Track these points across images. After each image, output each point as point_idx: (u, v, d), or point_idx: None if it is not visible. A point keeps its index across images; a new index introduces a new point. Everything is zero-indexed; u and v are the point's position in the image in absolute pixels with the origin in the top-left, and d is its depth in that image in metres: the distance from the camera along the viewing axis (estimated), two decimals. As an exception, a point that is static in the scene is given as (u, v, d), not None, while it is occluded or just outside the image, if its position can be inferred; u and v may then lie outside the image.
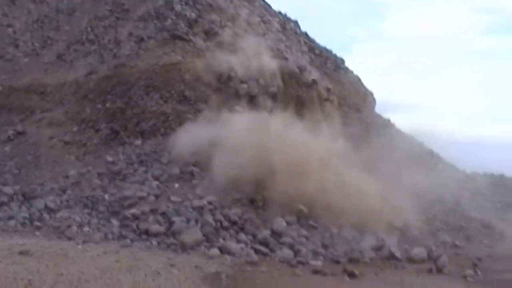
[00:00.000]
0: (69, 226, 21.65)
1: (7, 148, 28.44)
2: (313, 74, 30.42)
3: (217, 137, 24.03)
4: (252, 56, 28.94)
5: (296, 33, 36.45)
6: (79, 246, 19.06)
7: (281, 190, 22.24)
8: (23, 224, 22.35)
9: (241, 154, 22.69)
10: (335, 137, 25.15)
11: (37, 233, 21.28)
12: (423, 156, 33.81)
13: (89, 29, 33.47)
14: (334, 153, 23.83)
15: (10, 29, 35.68)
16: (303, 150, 23.14)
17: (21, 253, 16.88)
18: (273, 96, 28.28)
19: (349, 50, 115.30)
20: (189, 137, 24.75)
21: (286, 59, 30.05)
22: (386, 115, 39.14)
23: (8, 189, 24.97)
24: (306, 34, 37.91)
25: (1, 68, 32.97)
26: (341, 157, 23.73)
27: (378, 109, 38.19)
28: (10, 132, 29.28)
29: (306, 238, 21.80)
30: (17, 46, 34.28)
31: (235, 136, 23.54)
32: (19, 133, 29.20)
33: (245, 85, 28.35)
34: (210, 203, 22.48)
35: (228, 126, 24.37)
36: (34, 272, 14.49)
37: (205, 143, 24.25)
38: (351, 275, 18.10)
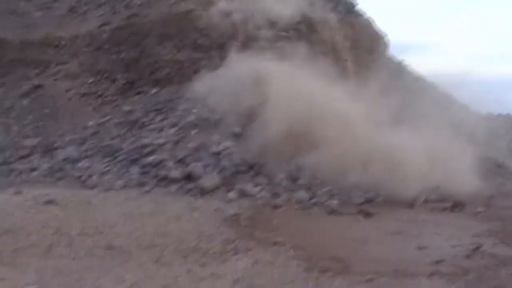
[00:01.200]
0: (90, 176, 22.16)
1: (25, 102, 28.69)
2: (326, 18, 30.32)
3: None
4: (264, 2, 28.93)
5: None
6: (101, 194, 19.61)
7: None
8: (45, 175, 22.90)
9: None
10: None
11: (60, 183, 21.84)
12: (437, 99, 33.80)
13: (100, -20, 33.48)
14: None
15: (21, -16, 35.68)
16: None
17: (46, 202, 17.45)
18: (289, 41, 28.18)
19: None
20: (206, 85, 25.00)
21: (297, 5, 29.94)
22: (399, 57, 39.17)
23: (28, 142, 25.50)
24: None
25: (14, 22, 32.93)
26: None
27: (391, 51, 38.10)
28: (27, 86, 29.46)
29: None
30: (29, 0, 34.28)
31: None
32: (36, 87, 29.41)
33: (258, 31, 28.31)
34: (227, 148, 22.82)
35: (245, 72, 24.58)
36: (61, 220, 14.96)
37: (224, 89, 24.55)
38: (367, 214, 18.47)
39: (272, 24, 28.26)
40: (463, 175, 20.99)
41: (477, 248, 13.92)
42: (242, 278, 10.61)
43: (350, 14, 33.82)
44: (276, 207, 19.03)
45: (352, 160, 20.68)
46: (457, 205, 19.55)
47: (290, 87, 23.10)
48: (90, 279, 9.96)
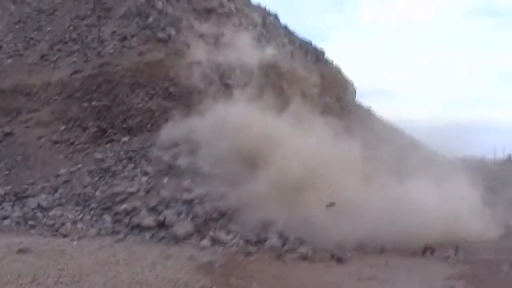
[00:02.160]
0: (63, 224, 22.33)
1: (-4, 150, 28.79)
2: (295, 67, 30.88)
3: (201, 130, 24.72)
4: (235, 50, 29.43)
5: (276, 26, 36.85)
6: (75, 242, 19.79)
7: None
8: (17, 223, 22.95)
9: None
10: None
11: (32, 231, 22.02)
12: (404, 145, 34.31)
13: (71, 28, 33.79)
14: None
15: (-8, 31, 35.88)
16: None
17: (20, 251, 17.60)
18: (258, 90, 28.61)
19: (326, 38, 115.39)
20: (175, 132, 25.42)
21: (268, 52, 30.48)
22: (366, 102, 39.86)
23: (-1, 190, 25.51)
24: (285, 27, 38.33)
25: (-15, 70, 33.16)
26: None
27: (358, 96, 38.80)
28: (-2, 133, 29.62)
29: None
30: (0, 47, 34.44)
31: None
32: (7, 134, 29.59)
33: (229, 79, 28.75)
34: (199, 196, 23.04)
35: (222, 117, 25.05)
36: (36, 268, 15.06)
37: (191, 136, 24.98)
38: (339, 260, 18.73)
39: (242, 71, 28.70)
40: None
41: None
42: (221, 326, 10.81)
43: (319, 62, 34.43)
44: (249, 254, 19.20)
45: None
46: (427, 249, 19.81)
47: (268, 134, 23.58)
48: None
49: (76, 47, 32.33)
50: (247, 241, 20.79)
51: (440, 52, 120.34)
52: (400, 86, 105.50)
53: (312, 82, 31.33)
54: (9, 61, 33.57)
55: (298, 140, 23.51)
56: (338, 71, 36.51)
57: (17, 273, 14.43)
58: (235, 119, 24.90)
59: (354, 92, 37.87)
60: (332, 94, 33.33)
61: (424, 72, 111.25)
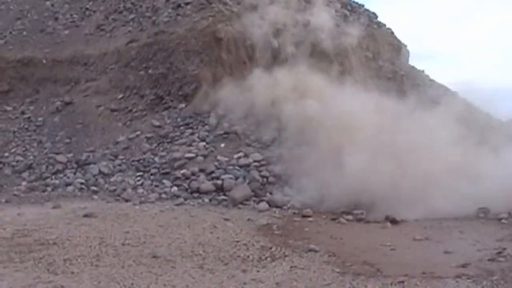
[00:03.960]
0: (124, 189, 22.99)
1: (56, 119, 29.52)
2: (348, 30, 30.84)
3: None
4: (286, 16, 29.55)
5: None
6: (137, 207, 20.42)
7: None
8: (80, 189, 23.73)
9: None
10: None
11: (95, 197, 22.73)
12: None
13: (125, -2, 34.23)
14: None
15: (48, 3, 36.36)
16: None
17: (86, 215, 18.24)
18: (311, 56, 28.75)
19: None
20: (230, 98, 25.85)
21: (319, 18, 30.43)
22: (419, 66, 39.69)
23: (61, 158, 26.34)
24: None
25: (43, 41, 33.76)
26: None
27: (411, 60, 38.61)
28: (58, 103, 30.31)
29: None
30: (56, 19, 35.02)
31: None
32: (67, 104, 30.25)
33: (281, 46, 28.87)
34: (256, 161, 23.54)
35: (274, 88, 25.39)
36: (103, 231, 15.68)
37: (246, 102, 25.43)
38: (393, 221, 19.02)
39: (297, 38, 28.83)
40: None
41: (501, 252, 14.47)
42: (283, 282, 11.25)
43: (372, 25, 34.32)
44: (305, 216, 19.61)
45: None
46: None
47: (326, 102, 23.86)
48: (142, 285, 10.63)
49: (131, 16, 32.67)
50: (303, 204, 21.18)
51: (496, 14, 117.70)
52: (454, 49, 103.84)
53: (366, 45, 31.28)
54: (66, 32, 34.03)
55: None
56: (390, 34, 36.37)
57: (85, 236, 15.04)
58: (292, 86, 25.29)
59: (407, 55, 37.71)
60: (385, 57, 33.28)
61: (480, 34, 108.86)
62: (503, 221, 18.95)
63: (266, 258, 13.28)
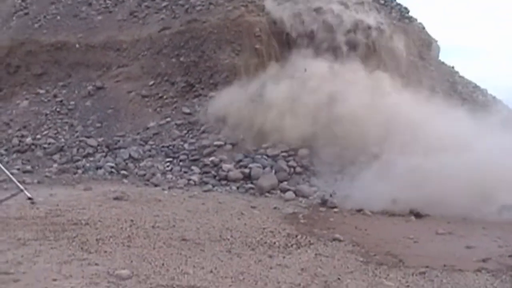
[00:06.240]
0: (153, 174, 23.44)
1: (88, 103, 30.04)
2: (381, 24, 30.89)
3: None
4: (320, 9, 29.68)
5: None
6: (166, 192, 20.85)
7: None
8: (110, 173, 24.22)
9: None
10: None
11: (125, 180, 23.16)
12: (486, 104, 34.16)
13: (159, -15, 34.56)
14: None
15: (82, -12, 36.87)
16: None
17: (116, 198, 18.64)
18: (346, 48, 28.88)
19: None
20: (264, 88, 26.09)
21: (352, 11, 30.54)
22: (448, 60, 39.64)
23: (92, 141, 26.86)
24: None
25: (77, 26, 34.22)
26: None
27: (441, 55, 38.56)
28: (90, 88, 30.79)
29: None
30: (90, 4, 35.42)
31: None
32: (98, 88, 30.72)
33: (316, 36, 29.01)
34: (283, 151, 23.88)
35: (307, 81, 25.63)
36: (133, 214, 16.05)
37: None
38: (417, 215, 19.25)
39: (329, 29, 29.00)
40: None
41: (522, 248, 14.71)
42: (307, 268, 11.56)
43: (403, 20, 34.36)
44: (331, 207, 19.90)
45: None
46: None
47: (358, 96, 24.09)
48: (173, 265, 10.97)
49: (164, 3, 32.97)
50: (329, 195, 21.44)
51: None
52: (484, 44, 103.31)
53: (398, 40, 31.28)
54: (99, 17, 34.45)
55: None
56: (422, 29, 36.36)
57: (116, 217, 15.43)
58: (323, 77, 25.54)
59: (438, 50, 37.68)
60: (416, 52, 33.33)
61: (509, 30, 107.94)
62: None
63: (291, 245, 13.58)
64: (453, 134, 22.20)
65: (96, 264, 10.74)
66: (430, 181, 19.55)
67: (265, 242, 13.67)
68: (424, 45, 34.77)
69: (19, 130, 28.69)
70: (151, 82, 30.01)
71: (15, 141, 27.68)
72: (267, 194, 21.62)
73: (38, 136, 27.87)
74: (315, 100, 24.44)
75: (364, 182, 20.98)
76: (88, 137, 27.32)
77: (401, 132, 22.51)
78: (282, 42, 29.09)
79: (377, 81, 26.34)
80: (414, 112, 23.67)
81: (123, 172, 24.06)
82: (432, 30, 37.40)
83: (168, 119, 27.36)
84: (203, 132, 25.88)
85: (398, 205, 19.54)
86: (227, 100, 26.20)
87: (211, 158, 23.94)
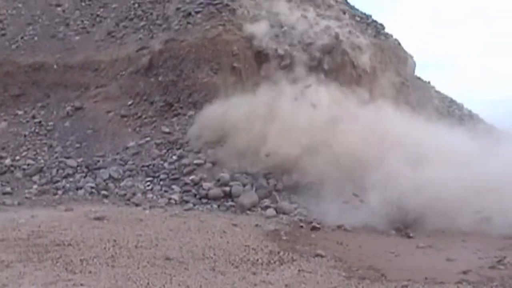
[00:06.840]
0: (134, 194, 23.51)
1: (67, 124, 30.00)
2: (357, 42, 31.15)
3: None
4: (297, 27, 29.95)
5: (336, 1, 36.91)
6: (147, 211, 20.90)
7: None
8: (91, 193, 24.22)
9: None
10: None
11: (106, 200, 23.24)
12: (463, 118, 34.55)
13: (136, 5, 34.63)
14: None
15: (59, 9, 36.80)
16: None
17: (97, 218, 18.73)
18: (318, 68, 29.08)
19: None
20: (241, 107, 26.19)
21: (328, 28, 30.77)
22: (424, 74, 40.06)
23: (72, 162, 26.84)
24: (345, 1, 38.34)
25: (54, 47, 34.21)
26: None
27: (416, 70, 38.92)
28: (69, 108, 30.77)
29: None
30: (67, 25, 35.48)
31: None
32: (77, 109, 30.70)
33: (292, 54, 29.19)
34: (263, 169, 23.96)
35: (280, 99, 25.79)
36: (115, 234, 16.14)
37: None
38: (397, 229, 19.42)
39: (305, 46, 29.21)
40: None
41: (501, 260, 14.93)
42: (291, 284, 11.72)
43: (379, 36, 34.67)
44: (311, 224, 19.99)
45: None
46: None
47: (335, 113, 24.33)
48: (158, 284, 11.10)
49: (142, 23, 33.15)
50: (310, 211, 21.55)
51: (500, 22, 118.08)
52: (459, 58, 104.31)
53: (374, 56, 31.53)
54: (77, 38, 34.48)
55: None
56: (397, 45, 36.71)
57: (99, 238, 15.51)
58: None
59: (414, 65, 38.06)
60: (392, 68, 33.63)
61: (483, 44, 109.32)
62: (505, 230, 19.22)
63: (274, 262, 13.75)
64: (431, 148, 22.52)
65: (82, 285, 10.83)
66: (409, 196, 19.84)
67: (248, 259, 13.81)
68: (400, 62, 35.07)
69: (-3, 151, 28.56)
70: (130, 102, 30.07)
71: (-6, 162, 27.53)
72: (248, 211, 21.70)
73: (17, 158, 27.76)
74: (294, 120, 24.55)
75: (344, 198, 21.23)
76: (67, 158, 27.28)
77: (377, 147, 22.76)
78: (260, 60, 29.17)
79: (354, 96, 26.57)
80: (392, 127, 23.91)
81: (103, 192, 24.05)
82: (406, 43, 37.75)
83: (148, 138, 27.40)
84: (183, 151, 25.84)
85: (378, 221, 19.71)
86: (206, 119, 26.25)
87: (191, 177, 24.01)
